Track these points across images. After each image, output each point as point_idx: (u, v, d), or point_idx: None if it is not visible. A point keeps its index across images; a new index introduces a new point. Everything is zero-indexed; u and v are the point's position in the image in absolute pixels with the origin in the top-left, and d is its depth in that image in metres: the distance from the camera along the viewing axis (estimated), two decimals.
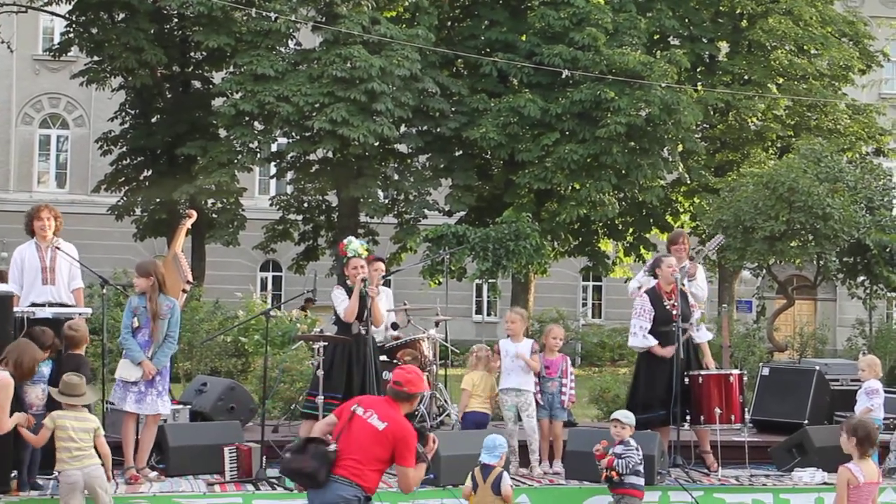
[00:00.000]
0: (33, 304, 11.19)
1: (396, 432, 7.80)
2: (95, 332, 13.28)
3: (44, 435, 9.55)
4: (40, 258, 11.46)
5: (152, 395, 10.60)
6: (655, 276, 12.41)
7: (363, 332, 11.64)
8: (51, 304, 11.29)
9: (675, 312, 11.91)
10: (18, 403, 9.53)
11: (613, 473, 10.27)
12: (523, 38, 30.31)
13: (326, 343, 11.50)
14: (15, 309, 10.56)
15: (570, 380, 12.33)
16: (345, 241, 12.18)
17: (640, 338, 12.10)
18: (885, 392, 13.10)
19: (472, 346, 12.83)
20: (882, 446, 12.43)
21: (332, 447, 7.78)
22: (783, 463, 12.32)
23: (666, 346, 11.90)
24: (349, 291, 11.76)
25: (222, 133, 29.92)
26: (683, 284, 12.35)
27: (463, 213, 30.91)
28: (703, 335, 12.50)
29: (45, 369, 10.09)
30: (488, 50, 30.57)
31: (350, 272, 11.82)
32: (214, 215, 30.83)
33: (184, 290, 12.54)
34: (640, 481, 10.40)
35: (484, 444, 9.89)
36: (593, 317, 43.98)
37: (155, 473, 10.68)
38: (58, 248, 11.45)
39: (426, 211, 30.79)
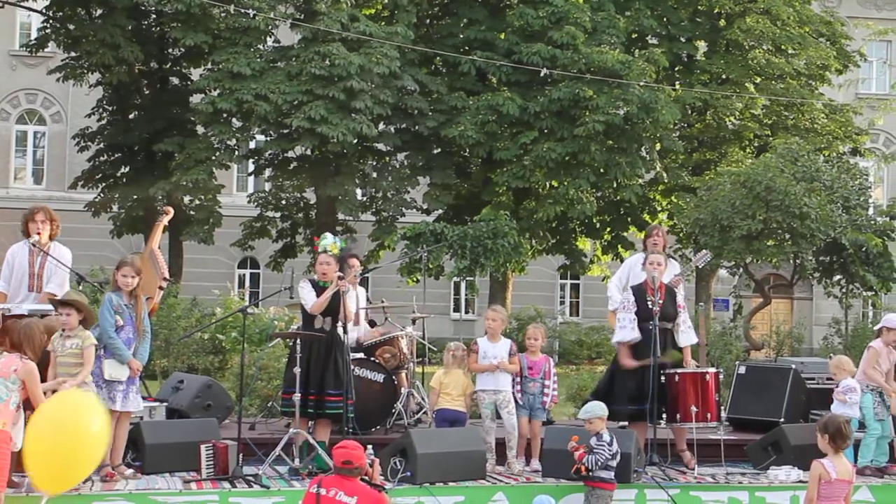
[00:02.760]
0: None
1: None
2: None
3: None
4: (30, 263, 11.28)
5: (132, 391, 10.58)
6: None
7: (327, 328, 11.60)
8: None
9: (655, 309, 11.92)
10: None
11: (582, 468, 10.33)
12: (502, 36, 30.32)
13: (301, 340, 11.48)
14: None
15: (552, 381, 12.18)
16: (319, 237, 12.20)
17: (629, 330, 12.07)
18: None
19: (449, 343, 12.76)
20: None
21: None
22: (759, 461, 12.35)
23: (642, 343, 11.92)
24: (314, 285, 11.72)
25: (200, 130, 29.84)
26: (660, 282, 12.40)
27: (441, 212, 30.90)
28: (687, 338, 12.42)
29: None
30: (467, 48, 30.57)
31: (316, 267, 11.84)
32: (191, 212, 30.75)
33: (160, 287, 12.50)
34: (610, 474, 10.46)
35: None
36: (571, 315, 44.03)
37: (131, 471, 10.63)
38: (45, 252, 11.29)
39: (404, 209, 30.78)
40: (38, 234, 11.30)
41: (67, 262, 11.44)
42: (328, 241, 11.96)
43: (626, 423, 12.47)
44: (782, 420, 13.38)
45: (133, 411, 10.75)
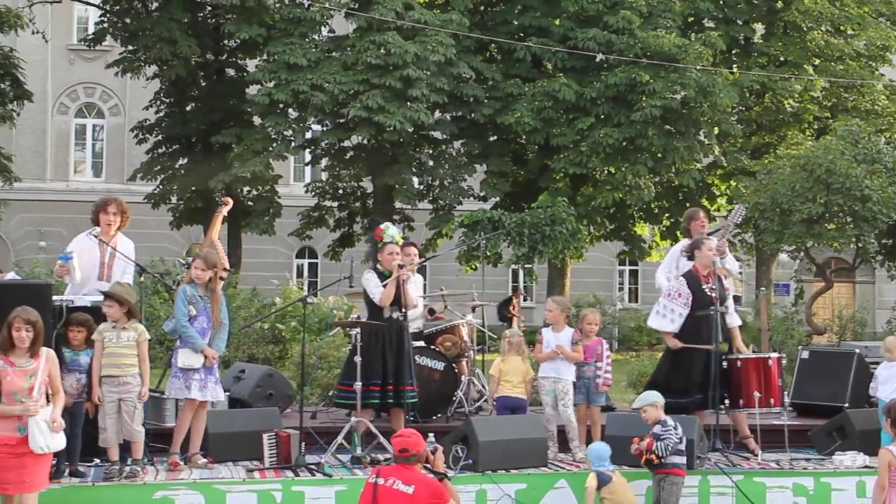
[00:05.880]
0: (75, 295, 11.12)
1: (426, 492, 8.36)
2: None
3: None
4: (101, 252, 11.35)
5: (211, 381, 10.62)
6: (691, 259, 12.28)
7: (396, 317, 11.63)
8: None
9: (714, 296, 11.80)
10: None
11: (654, 457, 10.23)
12: (557, 22, 30.19)
13: (361, 329, 11.48)
14: (54, 297, 10.55)
15: (605, 363, 12.17)
16: (382, 227, 12.20)
17: (668, 321, 11.98)
18: None
19: (504, 331, 12.74)
20: None
21: None
22: (824, 446, 12.23)
23: (704, 330, 11.79)
24: (381, 276, 11.76)
25: (257, 121, 29.99)
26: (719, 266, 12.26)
27: (498, 199, 30.87)
28: (733, 320, 12.35)
29: (84, 358, 10.10)
30: (522, 35, 30.46)
31: (385, 257, 11.84)
32: (250, 203, 30.95)
33: (221, 278, 12.56)
34: (682, 459, 10.35)
35: (594, 455, 10.23)
36: (630, 301, 43.85)
37: (204, 460, 10.69)
38: (114, 249, 11.33)
39: (461, 197, 30.76)
40: (110, 226, 11.35)
41: (130, 254, 11.51)
42: (393, 230, 12.01)
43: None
44: (847, 405, 13.23)
45: (211, 401, 10.81)
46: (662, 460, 10.24)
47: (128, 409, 9.99)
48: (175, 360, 10.61)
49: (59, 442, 8.57)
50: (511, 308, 15.42)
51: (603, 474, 10.07)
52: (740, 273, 14.14)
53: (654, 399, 10.59)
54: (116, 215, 11.38)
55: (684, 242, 13.26)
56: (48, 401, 8.49)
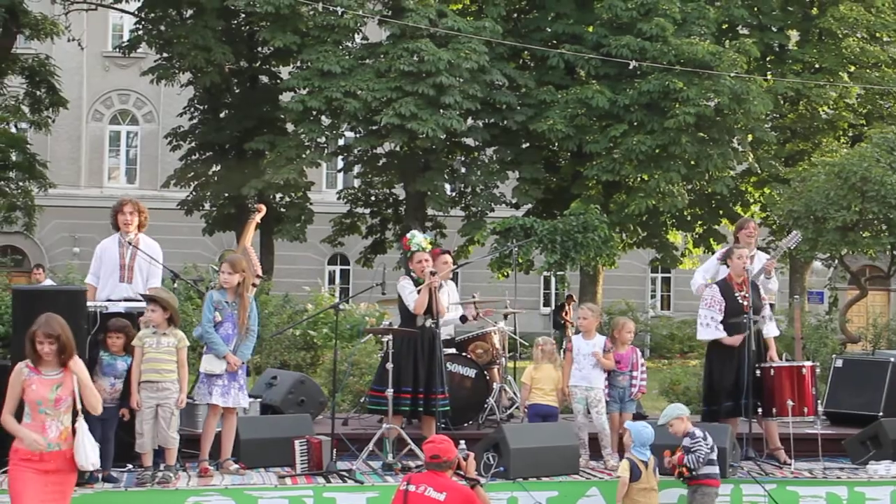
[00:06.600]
0: (108, 301, 11.19)
1: (458, 499, 8.34)
2: None
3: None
4: (120, 255, 11.36)
5: (235, 388, 10.62)
6: (727, 266, 12.27)
7: (429, 325, 11.64)
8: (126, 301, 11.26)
9: (745, 304, 11.79)
10: None
11: (685, 470, 10.18)
12: (590, 29, 30.13)
13: (393, 336, 11.50)
14: (89, 303, 10.61)
15: (640, 371, 12.11)
16: (408, 235, 12.20)
17: (713, 329, 11.97)
18: None
19: (537, 338, 12.70)
20: None
21: None
22: (857, 456, 12.15)
23: (735, 334, 11.79)
24: (416, 283, 11.77)
25: (290, 128, 30.07)
26: (757, 276, 12.22)
27: (530, 206, 30.81)
28: (771, 330, 12.33)
29: (121, 364, 10.14)
30: (555, 42, 30.41)
31: (415, 266, 11.85)
32: (282, 210, 31.04)
33: (253, 285, 12.57)
34: (715, 469, 10.28)
35: (637, 437, 10.05)
36: (662, 309, 43.72)
37: (236, 466, 10.72)
38: (135, 247, 11.40)
39: (493, 204, 30.73)
40: (128, 226, 11.42)
41: (157, 255, 11.56)
42: (419, 238, 11.99)
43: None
44: (881, 414, 13.15)
45: (242, 407, 10.81)
46: (694, 472, 10.18)
47: (165, 415, 10.04)
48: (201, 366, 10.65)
49: (98, 459, 8.28)
50: (564, 313, 15.43)
51: (635, 466, 9.92)
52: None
53: (678, 413, 10.52)
54: (133, 214, 11.47)
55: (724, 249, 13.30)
56: (75, 416, 8.05)
